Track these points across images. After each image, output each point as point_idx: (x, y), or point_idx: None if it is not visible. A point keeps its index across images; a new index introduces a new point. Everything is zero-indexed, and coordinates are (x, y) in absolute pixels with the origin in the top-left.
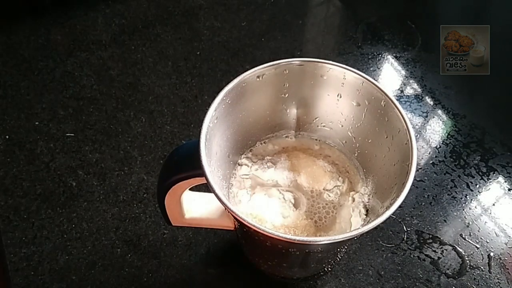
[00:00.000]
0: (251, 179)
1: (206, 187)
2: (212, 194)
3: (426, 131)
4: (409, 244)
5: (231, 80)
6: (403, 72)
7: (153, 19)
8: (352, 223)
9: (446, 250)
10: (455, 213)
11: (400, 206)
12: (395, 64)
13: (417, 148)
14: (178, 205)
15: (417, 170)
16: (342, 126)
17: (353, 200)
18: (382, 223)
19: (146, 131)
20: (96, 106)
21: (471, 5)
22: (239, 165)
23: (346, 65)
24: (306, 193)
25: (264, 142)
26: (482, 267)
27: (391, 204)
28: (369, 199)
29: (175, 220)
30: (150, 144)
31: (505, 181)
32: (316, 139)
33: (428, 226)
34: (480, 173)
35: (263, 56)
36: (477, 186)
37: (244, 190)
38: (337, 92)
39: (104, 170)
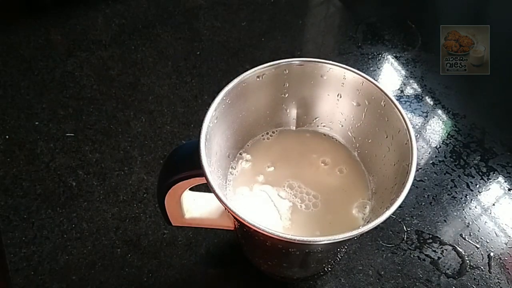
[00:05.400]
0: (251, 179)
1: (206, 187)
2: (212, 194)
3: (426, 131)
4: (409, 244)
5: (231, 80)
6: (403, 72)
7: (153, 19)
8: (352, 223)
9: (446, 250)
10: (455, 213)
11: (400, 206)
12: (395, 64)
13: (417, 148)
14: (178, 205)
15: (417, 170)
16: (342, 126)
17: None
18: (382, 223)
19: (146, 131)
20: (96, 106)
21: (471, 5)
22: (239, 164)
23: (346, 65)
24: (306, 192)
25: None
26: (482, 267)
27: (391, 204)
28: (369, 199)
29: (175, 220)
30: (150, 144)
31: (505, 181)
32: None
33: (428, 226)
34: (480, 173)
35: (263, 56)
36: (477, 186)
37: (244, 189)
38: (337, 92)
39: (104, 170)
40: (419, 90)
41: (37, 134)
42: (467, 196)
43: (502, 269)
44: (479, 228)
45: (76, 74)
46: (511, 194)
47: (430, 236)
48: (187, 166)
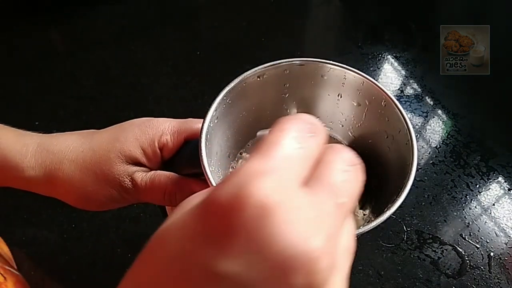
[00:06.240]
0: None
1: None
2: None
3: (426, 131)
4: (409, 244)
5: (231, 80)
6: (403, 72)
7: (153, 19)
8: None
9: (446, 250)
10: (455, 213)
11: (400, 206)
12: (395, 64)
13: (417, 148)
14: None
15: (417, 170)
16: (342, 126)
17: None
18: (382, 223)
19: None
20: (96, 106)
21: (471, 5)
22: (239, 164)
23: (346, 65)
24: None
25: None
26: (482, 267)
27: (391, 204)
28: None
29: None
30: None
31: (505, 181)
32: None
33: (428, 226)
34: (480, 173)
35: (263, 56)
36: (477, 186)
37: None
38: (337, 92)
39: None
40: (419, 90)
41: None
42: (467, 196)
43: (502, 269)
44: (479, 228)
45: (76, 74)
46: (511, 194)
47: (430, 236)
48: (187, 166)
